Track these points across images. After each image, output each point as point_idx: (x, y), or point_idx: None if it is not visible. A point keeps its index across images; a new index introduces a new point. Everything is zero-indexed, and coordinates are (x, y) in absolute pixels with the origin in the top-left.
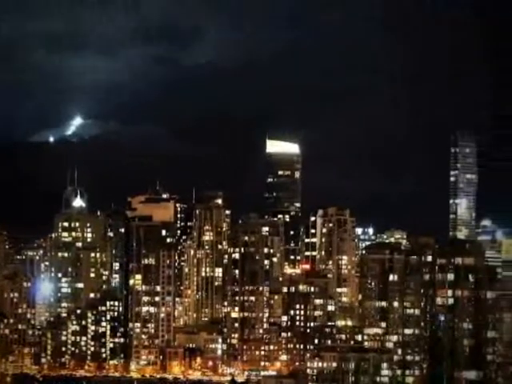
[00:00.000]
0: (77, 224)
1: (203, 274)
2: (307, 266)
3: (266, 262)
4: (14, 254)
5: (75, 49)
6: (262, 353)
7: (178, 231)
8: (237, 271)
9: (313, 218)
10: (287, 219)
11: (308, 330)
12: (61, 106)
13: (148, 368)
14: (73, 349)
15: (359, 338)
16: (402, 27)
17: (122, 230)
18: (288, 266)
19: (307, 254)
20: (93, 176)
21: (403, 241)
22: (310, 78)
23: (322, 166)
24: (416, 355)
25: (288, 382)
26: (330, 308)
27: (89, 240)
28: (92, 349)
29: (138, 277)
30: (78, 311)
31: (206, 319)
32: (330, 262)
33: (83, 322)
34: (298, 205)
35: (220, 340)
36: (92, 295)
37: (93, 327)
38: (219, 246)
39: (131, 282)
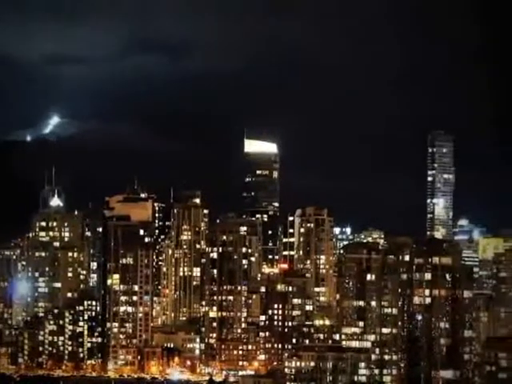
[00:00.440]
0: (54, 223)
1: (181, 273)
2: (285, 266)
3: (244, 261)
4: None
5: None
6: (240, 352)
7: (156, 231)
8: (215, 271)
9: (291, 218)
10: (265, 219)
11: (286, 330)
12: (38, 105)
13: (126, 368)
14: (50, 349)
15: (337, 337)
16: (380, 27)
17: (100, 230)
18: (266, 265)
19: (285, 253)
20: (70, 175)
21: (381, 240)
22: (287, 78)
23: (300, 166)
24: (393, 354)
25: (266, 381)
26: (308, 307)
27: (66, 239)
28: (69, 348)
29: (116, 276)
30: (56, 311)
31: (184, 319)
32: (308, 262)
33: (60, 322)
34: (276, 204)
35: (198, 340)
36: (69, 295)
37: (70, 327)
38: (197, 246)
39: (109, 281)
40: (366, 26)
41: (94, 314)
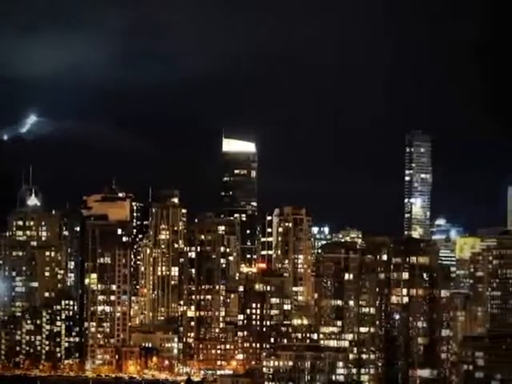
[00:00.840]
0: (31, 223)
1: (159, 272)
2: (263, 265)
3: (223, 260)
4: None
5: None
6: (219, 352)
7: (134, 230)
8: (193, 270)
9: (269, 217)
10: (243, 218)
11: (264, 329)
12: (15, 104)
13: (103, 367)
14: (27, 348)
15: (315, 336)
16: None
17: (78, 229)
18: (244, 264)
19: (263, 253)
20: (48, 174)
21: (358, 240)
22: (265, 78)
23: (278, 165)
24: (371, 354)
25: (244, 380)
26: (286, 307)
27: (44, 239)
28: (47, 348)
29: (94, 276)
30: (33, 310)
31: (162, 318)
32: (286, 261)
33: (38, 322)
34: (254, 204)
35: (176, 339)
36: (47, 294)
37: (48, 326)
38: (175, 245)
39: (86, 281)
40: (343, 26)
41: (71, 313)
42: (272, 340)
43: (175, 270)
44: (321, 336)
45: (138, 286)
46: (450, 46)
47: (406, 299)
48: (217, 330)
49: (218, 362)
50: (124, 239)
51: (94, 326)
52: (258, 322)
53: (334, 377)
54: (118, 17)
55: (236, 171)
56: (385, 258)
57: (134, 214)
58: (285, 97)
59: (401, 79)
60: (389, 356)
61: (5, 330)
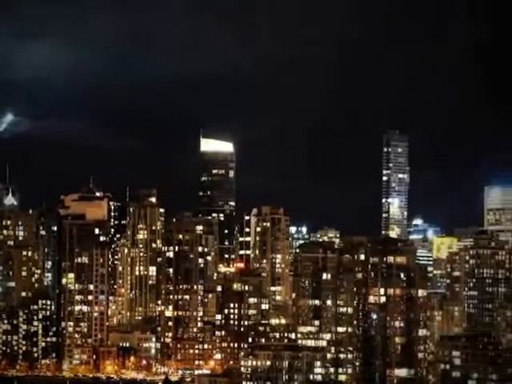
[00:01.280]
0: (8, 222)
1: (137, 272)
2: (241, 265)
3: (201, 260)
4: None
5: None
6: (196, 352)
7: (112, 229)
8: (171, 270)
9: (247, 217)
10: (221, 218)
11: (242, 329)
12: None
13: (81, 367)
14: (4, 348)
15: (293, 336)
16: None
17: (55, 229)
18: (222, 264)
19: (241, 252)
20: (25, 174)
21: (336, 240)
22: (243, 78)
23: (256, 165)
24: (349, 353)
25: (222, 380)
26: (264, 306)
27: (20, 238)
28: (24, 348)
29: (71, 275)
30: (10, 310)
31: (140, 318)
32: (264, 261)
33: (14, 321)
34: (232, 203)
35: (154, 339)
36: (24, 294)
37: (24, 326)
38: (153, 245)
39: (64, 280)
40: (322, 26)
41: (48, 313)
42: (250, 340)
43: (153, 270)
44: (299, 336)
45: (115, 286)
46: (427, 47)
47: (383, 299)
48: (195, 330)
49: (196, 362)
50: (101, 239)
51: (72, 326)
52: (236, 322)
53: (311, 376)
54: (101, 17)
55: (214, 171)
56: (362, 257)
57: (112, 214)
58: (263, 97)
59: (378, 80)
60: (366, 355)
61: None
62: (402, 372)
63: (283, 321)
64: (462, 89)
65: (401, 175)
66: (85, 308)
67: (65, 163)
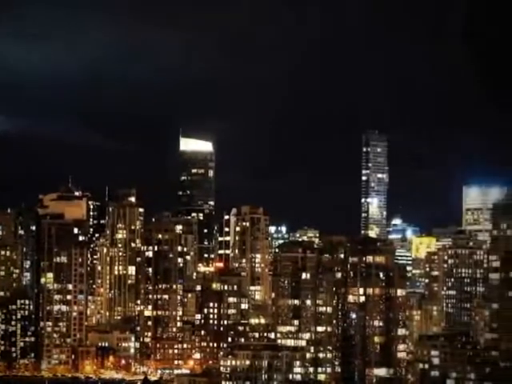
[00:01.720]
0: None
1: (116, 272)
2: (221, 265)
3: (180, 260)
4: None
5: None
6: (176, 351)
7: (91, 229)
8: (150, 269)
9: (226, 217)
10: (201, 217)
11: (221, 329)
12: None
13: (59, 367)
14: None
15: (272, 335)
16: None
17: (33, 228)
18: (202, 264)
19: (221, 252)
20: (3, 173)
21: (316, 239)
22: (222, 79)
23: (235, 165)
24: (328, 353)
25: (201, 380)
26: (244, 306)
27: None
28: (2, 348)
29: (50, 275)
30: None
31: (119, 318)
32: (244, 261)
33: None
34: (211, 203)
35: (133, 339)
36: (2, 294)
37: (3, 326)
38: (132, 244)
39: (42, 280)
40: (297, 28)
41: (27, 313)
42: (229, 339)
43: (132, 270)
44: (278, 335)
45: (94, 286)
46: (406, 47)
47: (362, 298)
48: (174, 330)
49: (175, 362)
50: (80, 238)
51: (50, 326)
52: (216, 322)
53: (291, 376)
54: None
55: (193, 170)
56: (342, 257)
57: (91, 213)
58: (243, 98)
59: (357, 80)
60: (345, 355)
61: None
62: (381, 371)
63: (263, 320)
64: (442, 89)
65: (380, 175)
66: (64, 308)
67: (44, 162)
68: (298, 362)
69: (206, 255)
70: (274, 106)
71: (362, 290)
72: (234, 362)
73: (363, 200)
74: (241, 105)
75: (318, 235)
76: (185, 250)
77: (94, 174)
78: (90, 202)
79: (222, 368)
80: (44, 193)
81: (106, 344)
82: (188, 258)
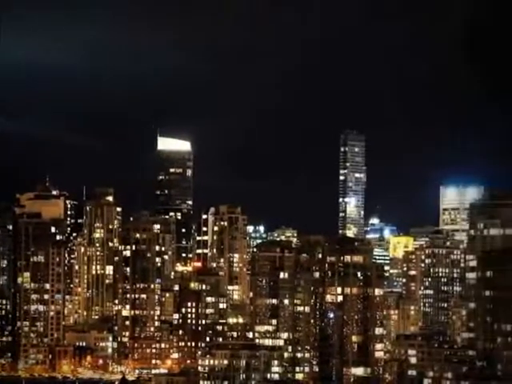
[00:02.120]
0: None
1: (94, 271)
2: (199, 264)
3: (158, 259)
4: None
5: None
6: (153, 351)
7: (68, 228)
8: (128, 269)
9: (204, 216)
10: (179, 217)
11: (199, 328)
12: None
13: (37, 367)
14: None
15: (250, 335)
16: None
17: (10, 227)
18: (180, 263)
19: (199, 251)
20: None
21: (294, 239)
22: (202, 78)
23: (213, 164)
24: (306, 352)
25: (179, 379)
26: (222, 306)
27: None
28: None
29: (27, 274)
30: None
31: (97, 317)
32: (222, 260)
33: None
34: (189, 202)
35: (111, 338)
36: None
37: None
38: (110, 244)
39: (19, 279)
40: (285, 26)
41: (3, 312)
42: (207, 339)
43: (110, 269)
44: (256, 335)
45: (72, 285)
46: (386, 46)
47: (340, 298)
48: (152, 329)
49: (153, 361)
50: (58, 237)
51: (27, 326)
52: (194, 321)
53: (269, 375)
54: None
55: (171, 170)
56: (319, 256)
57: (68, 212)
58: (222, 97)
59: (335, 80)
60: (323, 354)
61: None
62: (358, 370)
63: (241, 320)
64: (421, 88)
65: (358, 174)
66: (41, 307)
67: (21, 161)
68: (275, 362)
69: (183, 255)
70: (252, 106)
71: (339, 290)
72: (212, 362)
73: (341, 199)
74: (219, 104)
75: (295, 235)
76: (163, 249)
77: (72, 173)
78: (67, 201)
79: (200, 367)
80: (21, 192)
81: (84, 344)
82: (166, 257)
